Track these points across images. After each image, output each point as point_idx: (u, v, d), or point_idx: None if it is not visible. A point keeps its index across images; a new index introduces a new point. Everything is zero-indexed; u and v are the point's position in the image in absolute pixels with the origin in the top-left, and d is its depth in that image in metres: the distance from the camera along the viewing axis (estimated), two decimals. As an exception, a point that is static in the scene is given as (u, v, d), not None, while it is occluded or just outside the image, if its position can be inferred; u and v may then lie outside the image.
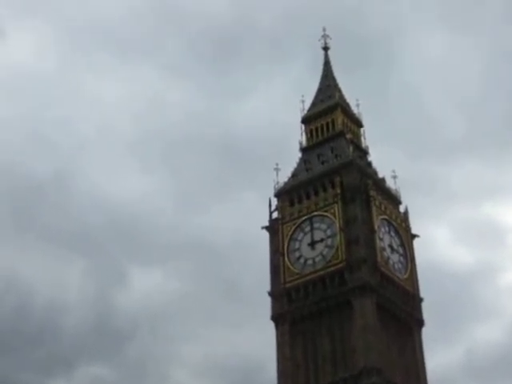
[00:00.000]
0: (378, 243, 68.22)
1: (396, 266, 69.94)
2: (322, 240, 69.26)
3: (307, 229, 70.57)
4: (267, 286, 70.38)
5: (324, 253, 68.47)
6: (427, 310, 71.10)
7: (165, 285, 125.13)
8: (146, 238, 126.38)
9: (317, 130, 78.59)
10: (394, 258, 70.22)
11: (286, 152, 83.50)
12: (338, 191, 69.90)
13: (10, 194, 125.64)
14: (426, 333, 70.29)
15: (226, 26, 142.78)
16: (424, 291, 71.78)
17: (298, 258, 69.83)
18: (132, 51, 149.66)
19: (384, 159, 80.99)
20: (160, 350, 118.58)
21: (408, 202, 76.29)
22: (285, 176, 75.70)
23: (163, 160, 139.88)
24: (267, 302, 69.75)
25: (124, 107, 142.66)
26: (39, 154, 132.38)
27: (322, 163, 74.62)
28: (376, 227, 68.77)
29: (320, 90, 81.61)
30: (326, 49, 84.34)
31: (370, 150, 78.79)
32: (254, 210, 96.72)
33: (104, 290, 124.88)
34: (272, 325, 68.61)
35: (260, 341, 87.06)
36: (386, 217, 71.33)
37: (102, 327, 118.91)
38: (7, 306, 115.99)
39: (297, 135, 79.64)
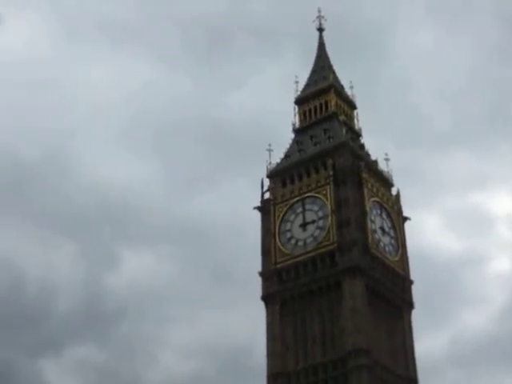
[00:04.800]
0: (370, 225, 68.17)
1: (387, 248, 69.96)
2: (313, 221, 69.19)
3: (299, 210, 70.45)
4: (258, 267, 70.25)
5: (315, 234, 68.40)
6: (416, 294, 71.28)
7: (155, 268, 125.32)
8: (137, 222, 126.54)
9: (310, 111, 78.27)
10: (385, 240, 70.21)
11: (279, 134, 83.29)
12: (331, 173, 69.73)
13: (1, 177, 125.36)
14: (415, 316, 70.50)
15: (219, 13, 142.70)
16: (414, 274, 71.94)
17: (289, 238, 69.73)
18: (125, 39, 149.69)
19: (376, 142, 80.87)
20: (149, 332, 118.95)
21: (399, 187, 76.29)
22: (277, 157, 75.71)
23: (155, 145, 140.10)
24: (258, 283, 69.69)
25: (116, 93, 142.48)
26: (32, 138, 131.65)
27: (315, 144, 74.38)
28: (367, 209, 68.70)
29: (314, 72, 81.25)
30: (320, 30, 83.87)
31: (363, 133, 78.68)
32: (247, 192, 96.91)
33: (94, 273, 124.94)
34: (262, 306, 68.52)
35: (250, 322, 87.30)
36: (377, 199, 71.22)
37: (92, 309, 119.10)
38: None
39: (290, 117, 79.50)
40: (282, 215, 70.94)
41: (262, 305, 68.65)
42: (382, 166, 75.47)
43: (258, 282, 69.65)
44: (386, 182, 74.77)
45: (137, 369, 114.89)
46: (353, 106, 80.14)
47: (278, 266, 68.73)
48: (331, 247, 66.68)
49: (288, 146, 76.74)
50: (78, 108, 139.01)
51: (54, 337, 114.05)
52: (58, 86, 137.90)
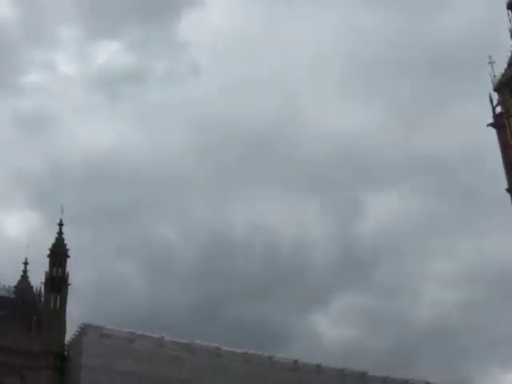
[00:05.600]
0: None
1: None
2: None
3: (535, 117, 67.43)
4: (504, 184, 68.30)
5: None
6: None
7: (401, 206, 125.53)
8: (373, 166, 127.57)
9: (526, 11, 74.11)
10: None
11: (498, 44, 79.39)
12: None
13: (236, 146, 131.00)
14: None
15: None
16: None
17: (529, 147, 67.08)
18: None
19: None
20: (408, 269, 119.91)
21: None
22: (501, 68, 72.46)
23: (374, 87, 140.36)
24: (507, 199, 67.73)
25: (330, 46, 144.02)
26: (257, 106, 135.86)
27: (537, 45, 70.60)
28: None
29: (522, -28, 76.50)
30: None
31: None
32: (477, 111, 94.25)
33: (344, 222, 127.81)
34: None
35: (507, 244, 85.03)
36: None
37: (348, 257, 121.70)
38: (258, 252, 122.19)
39: (506, 25, 75.32)
40: (517, 126, 68.28)
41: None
42: None
43: (506, 199, 67.81)
44: None
45: (402, 306, 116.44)
46: None
47: (523, 178, 66.50)
48: None
49: (510, 54, 73.35)
50: (296, 68, 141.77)
51: (318, 291, 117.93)
52: (270, 51, 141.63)
